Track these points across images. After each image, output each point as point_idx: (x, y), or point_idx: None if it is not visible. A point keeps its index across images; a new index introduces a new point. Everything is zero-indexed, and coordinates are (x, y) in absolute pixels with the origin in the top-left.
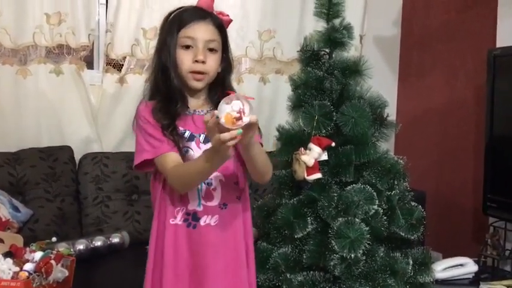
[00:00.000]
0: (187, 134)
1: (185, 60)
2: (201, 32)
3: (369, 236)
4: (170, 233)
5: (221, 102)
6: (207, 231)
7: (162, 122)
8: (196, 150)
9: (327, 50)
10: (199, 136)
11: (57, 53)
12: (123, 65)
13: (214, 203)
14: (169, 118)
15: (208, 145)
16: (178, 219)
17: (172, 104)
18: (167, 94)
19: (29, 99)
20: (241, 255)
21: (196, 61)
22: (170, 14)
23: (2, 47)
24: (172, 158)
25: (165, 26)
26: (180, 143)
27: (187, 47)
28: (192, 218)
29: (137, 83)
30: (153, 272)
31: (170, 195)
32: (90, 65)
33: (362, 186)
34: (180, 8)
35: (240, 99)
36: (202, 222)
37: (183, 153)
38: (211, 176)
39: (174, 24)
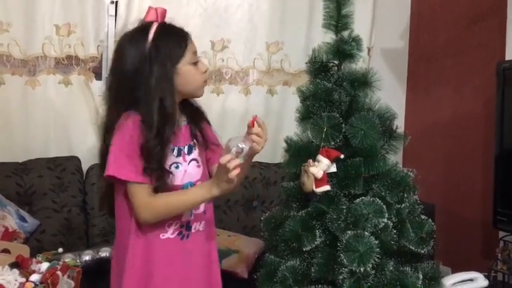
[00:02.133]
0: (175, 150)
1: (197, 75)
2: (194, 43)
3: (378, 249)
4: (161, 248)
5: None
6: (197, 237)
7: (159, 154)
8: (184, 164)
9: (336, 62)
10: (184, 148)
11: (66, 64)
12: None
13: (201, 209)
14: (164, 149)
15: (193, 155)
16: (170, 233)
17: (166, 129)
18: (162, 122)
19: (38, 109)
20: (214, 254)
21: (205, 71)
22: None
23: (12, 58)
24: (150, 190)
25: (172, 50)
26: (166, 175)
27: (196, 63)
28: (186, 228)
29: None
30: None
31: None
32: (98, 76)
33: (371, 199)
34: (148, 27)
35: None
36: (193, 230)
37: (167, 176)
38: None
39: (179, 46)
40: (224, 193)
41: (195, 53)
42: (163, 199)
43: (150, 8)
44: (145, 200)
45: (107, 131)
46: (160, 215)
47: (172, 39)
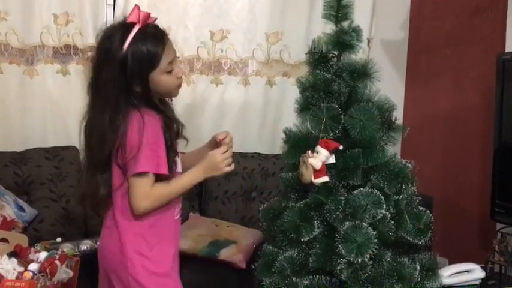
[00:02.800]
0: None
1: (170, 82)
2: (173, 50)
3: (376, 240)
4: (174, 228)
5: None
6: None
7: (172, 142)
8: (178, 161)
9: (335, 53)
10: None
11: (64, 53)
12: None
13: None
14: (175, 138)
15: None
16: (176, 215)
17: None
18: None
19: (36, 99)
20: None
21: (181, 76)
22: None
23: (10, 47)
24: (153, 180)
25: (147, 54)
26: (175, 165)
27: (170, 71)
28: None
29: None
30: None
31: None
32: None
33: (369, 190)
34: (127, 29)
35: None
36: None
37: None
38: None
39: (154, 55)
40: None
41: (171, 62)
42: (161, 187)
43: (134, 8)
44: (148, 189)
45: (112, 131)
46: (159, 203)
47: (147, 47)
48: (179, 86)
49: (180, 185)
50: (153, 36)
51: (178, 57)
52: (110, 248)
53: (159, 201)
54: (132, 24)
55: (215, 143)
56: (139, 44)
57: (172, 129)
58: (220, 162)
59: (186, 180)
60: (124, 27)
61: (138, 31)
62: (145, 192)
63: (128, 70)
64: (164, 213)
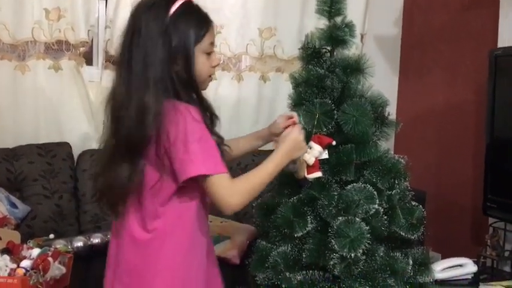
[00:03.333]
0: None
1: (206, 67)
2: (214, 33)
3: (369, 235)
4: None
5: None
6: None
7: (215, 134)
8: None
9: (329, 48)
10: None
11: (56, 49)
12: None
13: None
14: (213, 126)
15: None
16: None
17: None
18: (201, 100)
19: (28, 95)
20: None
21: (215, 66)
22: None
23: (1, 42)
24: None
25: (191, 30)
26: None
27: (210, 53)
28: None
29: None
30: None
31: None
32: (89, 61)
33: (362, 185)
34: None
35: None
36: None
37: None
38: None
39: (199, 29)
40: None
41: (212, 43)
42: (245, 180)
43: None
44: (230, 185)
45: (148, 118)
46: (249, 196)
47: (194, 19)
48: (211, 78)
49: (267, 174)
50: (200, 10)
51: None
52: (137, 263)
53: (248, 194)
54: None
55: (279, 125)
56: (186, 13)
57: (213, 121)
58: (303, 140)
59: (271, 166)
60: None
61: (183, 3)
62: (228, 188)
63: (173, 41)
64: (202, 230)
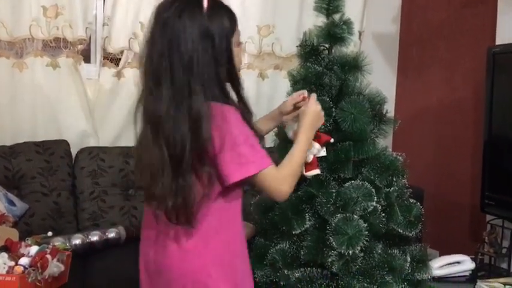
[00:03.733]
0: None
1: (238, 59)
2: None
3: (367, 232)
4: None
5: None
6: None
7: (255, 131)
8: None
9: (327, 45)
10: None
11: (54, 46)
12: (120, 59)
13: None
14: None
15: None
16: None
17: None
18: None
19: (25, 92)
20: None
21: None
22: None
23: None
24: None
25: (226, 24)
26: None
27: (239, 45)
28: None
29: (134, 77)
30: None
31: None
32: (87, 58)
33: (360, 182)
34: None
35: None
36: None
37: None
38: None
39: (232, 22)
40: None
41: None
42: (286, 164)
43: None
44: (277, 174)
45: (195, 126)
46: (293, 179)
47: (225, 14)
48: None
49: (302, 152)
50: (225, 5)
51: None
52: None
53: (293, 177)
54: None
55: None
56: (215, 7)
57: (250, 120)
58: (321, 110)
59: (302, 143)
60: None
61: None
62: (277, 178)
63: (216, 40)
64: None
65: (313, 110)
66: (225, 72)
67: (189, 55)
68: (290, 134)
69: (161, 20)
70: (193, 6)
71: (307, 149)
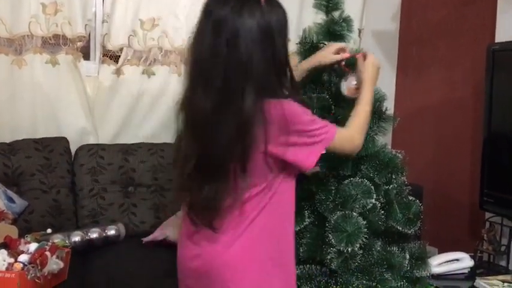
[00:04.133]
0: None
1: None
2: None
3: (366, 230)
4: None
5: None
6: None
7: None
8: None
9: (326, 43)
10: None
11: (53, 43)
12: (119, 56)
13: None
14: None
15: None
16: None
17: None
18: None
19: (25, 89)
20: None
21: None
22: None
23: None
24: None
25: (282, 18)
26: None
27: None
28: None
29: (134, 74)
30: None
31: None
32: (86, 55)
33: (360, 180)
34: None
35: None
36: None
37: None
38: None
39: (286, 19)
40: None
41: None
42: (353, 121)
43: None
44: (346, 133)
45: (243, 131)
46: (363, 131)
47: (279, 7)
48: None
49: (368, 104)
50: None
51: None
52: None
53: (363, 129)
54: None
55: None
56: (272, 6)
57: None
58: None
59: (368, 97)
60: None
61: None
62: (348, 137)
63: (275, 35)
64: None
65: (377, 63)
66: (281, 68)
67: (248, 55)
68: (344, 89)
69: (216, 17)
70: (252, 2)
71: (371, 101)
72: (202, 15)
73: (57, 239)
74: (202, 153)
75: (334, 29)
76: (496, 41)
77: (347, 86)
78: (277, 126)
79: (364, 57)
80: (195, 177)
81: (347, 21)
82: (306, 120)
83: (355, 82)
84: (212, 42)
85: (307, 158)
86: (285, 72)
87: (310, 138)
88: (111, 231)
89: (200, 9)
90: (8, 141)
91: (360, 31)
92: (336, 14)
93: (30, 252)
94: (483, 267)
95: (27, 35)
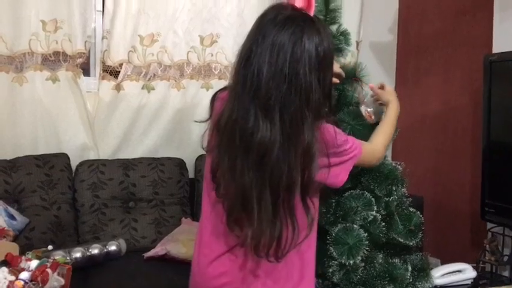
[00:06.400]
0: None
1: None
2: None
3: (367, 242)
4: None
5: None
6: None
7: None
8: None
9: None
10: None
11: (54, 60)
12: (119, 71)
13: None
14: None
15: None
16: None
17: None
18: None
19: (25, 106)
20: None
21: None
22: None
23: None
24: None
25: (332, 42)
26: None
27: None
28: None
29: (134, 89)
30: None
31: None
32: (86, 72)
33: (360, 192)
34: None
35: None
36: None
37: None
38: None
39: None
40: None
41: None
42: (380, 136)
43: None
44: (370, 148)
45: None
46: (386, 147)
47: (330, 35)
48: None
49: (393, 125)
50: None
51: None
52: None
53: (385, 145)
54: (303, 12)
55: None
56: (324, 31)
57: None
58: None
59: (392, 117)
60: (303, 15)
61: (315, 17)
62: (372, 151)
63: (325, 58)
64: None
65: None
66: (330, 92)
67: (309, 81)
68: (364, 113)
69: (275, 41)
70: (309, 27)
71: (395, 124)
72: (261, 39)
73: (58, 255)
74: (262, 181)
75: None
76: (494, 51)
77: (366, 109)
78: (320, 150)
79: (382, 87)
80: (254, 209)
81: (345, 34)
82: (341, 141)
83: (370, 109)
84: (270, 67)
85: (339, 176)
86: (331, 95)
87: (343, 157)
88: (112, 247)
89: (197, 22)
90: (9, 158)
91: (357, 43)
92: (334, 27)
93: (31, 270)
94: (486, 278)
95: (28, 52)
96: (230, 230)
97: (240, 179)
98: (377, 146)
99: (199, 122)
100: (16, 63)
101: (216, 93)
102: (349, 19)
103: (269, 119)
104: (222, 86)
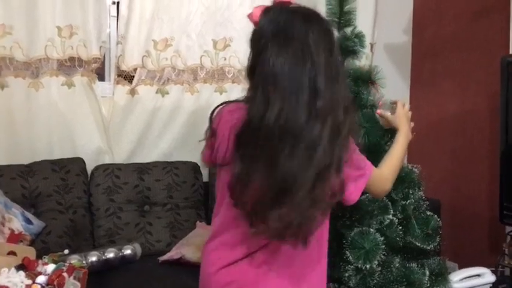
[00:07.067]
0: None
1: None
2: None
3: (384, 246)
4: None
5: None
6: None
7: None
8: None
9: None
10: None
11: (69, 65)
12: (134, 76)
13: None
14: None
15: None
16: None
17: None
18: None
19: (41, 111)
20: None
21: None
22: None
23: (14, 61)
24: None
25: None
26: None
27: None
28: None
29: (148, 94)
30: None
31: None
32: (101, 77)
33: None
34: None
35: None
36: None
37: None
38: None
39: None
40: None
41: None
42: (386, 164)
43: None
44: (380, 174)
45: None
46: (394, 176)
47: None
48: None
49: (402, 152)
50: None
51: None
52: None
53: (394, 175)
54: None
55: None
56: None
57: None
58: (407, 111)
59: (402, 142)
60: (314, 13)
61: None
62: (380, 179)
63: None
64: None
65: (404, 112)
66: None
67: (336, 69)
68: (382, 120)
69: (301, 42)
70: (330, 31)
71: (405, 150)
72: (282, 40)
73: (74, 259)
74: (305, 165)
75: (347, 45)
76: (510, 52)
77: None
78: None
79: (395, 103)
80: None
81: (359, 36)
82: (359, 156)
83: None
84: (295, 67)
85: (354, 192)
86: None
87: (358, 172)
88: (128, 251)
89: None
90: (25, 163)
91: (372, 45)
92: (348, 30)
93: (48, 274)
94: (505, 283)
95: (43, 58)
96: (253, 230)
97: (284, 165)
98: (386, 174)
99: (202, 140)
100: (32, 68)
101: (215, 109)
102: (363, 21)
103: (320, 121)
104: (235, 90)
